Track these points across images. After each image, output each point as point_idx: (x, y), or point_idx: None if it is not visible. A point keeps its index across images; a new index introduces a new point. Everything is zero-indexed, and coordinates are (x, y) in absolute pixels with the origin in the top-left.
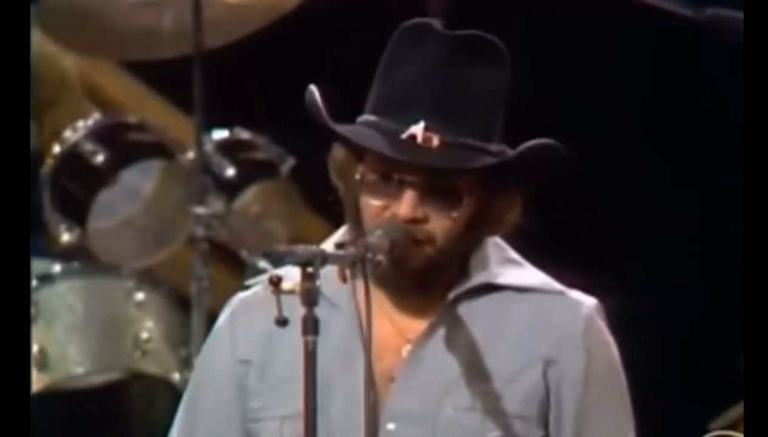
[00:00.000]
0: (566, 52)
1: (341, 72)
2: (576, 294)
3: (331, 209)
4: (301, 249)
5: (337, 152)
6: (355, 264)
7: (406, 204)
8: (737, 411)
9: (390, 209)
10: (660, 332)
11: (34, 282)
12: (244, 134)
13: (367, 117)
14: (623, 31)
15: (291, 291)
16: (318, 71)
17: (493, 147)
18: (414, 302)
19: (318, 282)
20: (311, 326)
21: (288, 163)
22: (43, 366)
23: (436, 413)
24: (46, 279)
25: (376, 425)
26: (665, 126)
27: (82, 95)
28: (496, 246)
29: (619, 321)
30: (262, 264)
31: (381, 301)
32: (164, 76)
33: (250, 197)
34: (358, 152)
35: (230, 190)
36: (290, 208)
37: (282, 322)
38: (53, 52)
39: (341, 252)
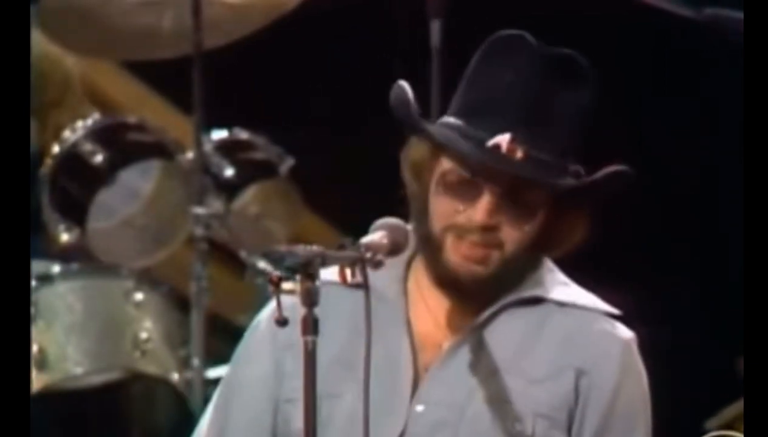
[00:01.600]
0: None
1: (341, 72)
2: (617, 322)
3: (330, 209)
4: (300, 249)
5: (416, 149)
6: (354, 264)
7: (482, 210)
8: (733, 410)
9: (464, 212)
10: (657, 331)
11: (33, 283)
12: (243, 134)
13: (450, 119)
14: (622, 30)
15: (291, 291)
16: (317, 71)
17: (570, 166)
18: (463, 303)
19: (318, 283)
20: (311, 326)
21: (287, 163)
22: (42, 366)
23: (466, 402)
24: (46, 279)
25: (407, 413)
26: (663, 125)
27: (84, 97)
28: (549, 269)
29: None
30: (262, 264)
31: (428, 296)
32: (164, 76)
33: (249, 197)
34: (436, 152)
35: (229, 190)
36: (289, 207)
37: (281, 322)
38: (57, 53)
39: (341, 252)
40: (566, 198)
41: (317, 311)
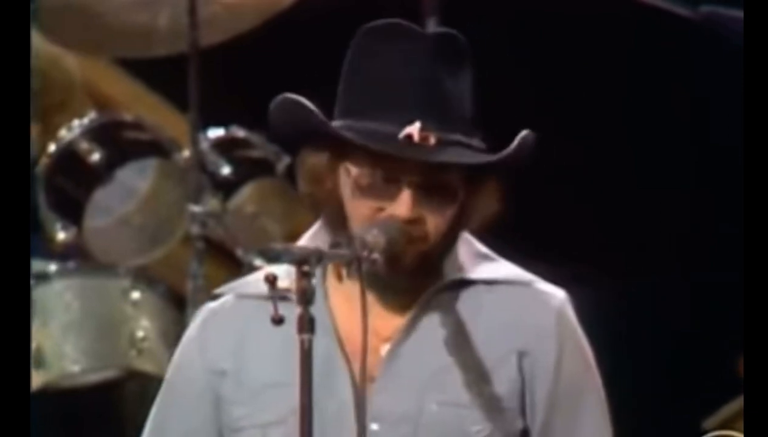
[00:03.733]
0: (559, 48)
1: (335, 70)
2: (545, 286)
3: None
4: (297, 247)
5: (311, 158)
6: (351, 263)
7: (404, 204)
8: (730, 408)
9: (385, 211)
10: (654, 332)
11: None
12: (240, 132)
13: (346, 121)
14: (617, 28)
15: (287, 290)
16: (313, 69)
17: (476, 142)
18: (387, 301)
19: (314, 282)
20: (307, 324)
21: (284, 162)
22: (39, 364)
23: (419, 410)
24: (43, 277)
25: (361, 426)
26: (659, 123)
27: (87, 98)
28: (464, 240)
29: (614, 321)
30: (258, 262)
31: (351, 298)
32: (160, 74)
33: (245, 195)
34: (336, 156)
35: (226, 188)
36: (286, 206)
37: (278, 321)
38: (59, 55)
39: (337, 251)
40: (479, 174)
41: (243, 332)
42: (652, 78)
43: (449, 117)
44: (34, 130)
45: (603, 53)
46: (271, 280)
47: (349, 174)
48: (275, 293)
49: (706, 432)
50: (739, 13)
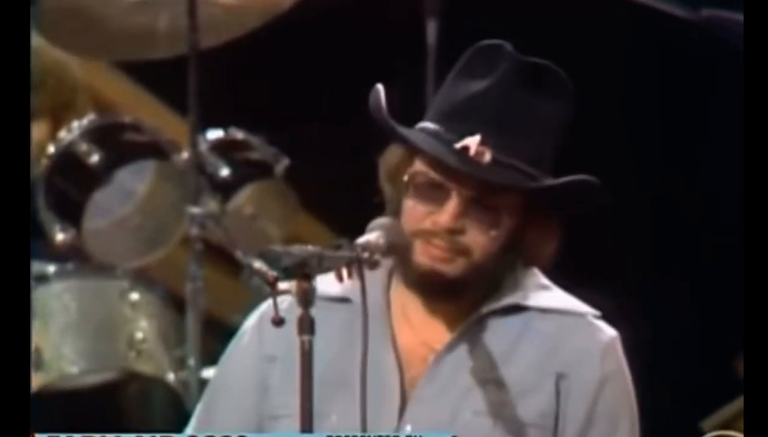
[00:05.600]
0: (561, 52)
1: (337, 72)
2: (599, 321)
3: (325, 210)
4: (297, 249)
5: (392, 154)
6: (351, 264)
7: (447, 213)
8: (729, 410)
9: (431, 216)
10: (656, 335)
11: None
12: (239, 134)
13: (427, 124)
14: (619, 31)
15: (287, 292)
16: (313, 71)
17: (542, 176)
18: (442, 314)
19: (314, 283)
20: (307, 326)
21: (282, 163)
22: (38, 365)
23: (454, 417)
24: (41, 279)
25: (397, 430)
26: (661, 128)
27: (90, 99)
28: (528, 272)
29: (616, 326)
30: (257, 264)
31: (410, 311)
32: (159, 77)
33: (244, 197)
34: (411, 156)
35: (225, 190)
36: (285, 208)
37: (278, 322)
38: (65, 56)
39: (337, 252)
40: (536, 207)
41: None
42: (652, 78)
43: (515, 140)
44: (45, 127)
45: (607, 56)
46: (272, 282)
47: (412, 170)
48: (276, 294)
49: (705, 432)
50: (739, 16)
